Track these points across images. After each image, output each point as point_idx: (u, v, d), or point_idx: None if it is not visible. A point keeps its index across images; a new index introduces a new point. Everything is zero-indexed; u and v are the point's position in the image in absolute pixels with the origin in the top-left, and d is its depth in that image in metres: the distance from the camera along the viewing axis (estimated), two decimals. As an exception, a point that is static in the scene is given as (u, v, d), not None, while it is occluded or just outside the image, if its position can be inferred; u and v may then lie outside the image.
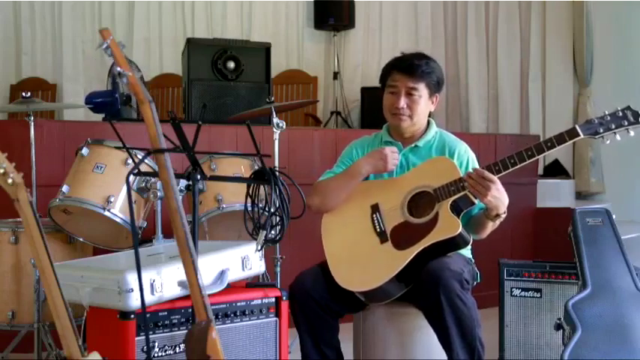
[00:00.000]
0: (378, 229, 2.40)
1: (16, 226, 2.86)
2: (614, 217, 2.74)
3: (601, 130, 2.29)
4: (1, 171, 1.56)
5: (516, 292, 2.85)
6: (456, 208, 2.32)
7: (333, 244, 2.46)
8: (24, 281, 2.85)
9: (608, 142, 2.32)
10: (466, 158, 2.52)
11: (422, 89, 2.50)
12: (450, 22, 6.30)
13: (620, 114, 2.30)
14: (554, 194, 5.19)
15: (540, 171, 5.50)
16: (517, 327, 2.85)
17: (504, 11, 6.00)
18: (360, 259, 2.39)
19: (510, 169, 2.30)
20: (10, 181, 1.57)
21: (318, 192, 2.53)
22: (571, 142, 2.30)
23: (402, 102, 2.49)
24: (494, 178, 2.25)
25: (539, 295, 2.82)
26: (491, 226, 2.38)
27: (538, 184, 5.03)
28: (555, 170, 5.63)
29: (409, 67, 2.49)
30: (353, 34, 6.40)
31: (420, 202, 2.39)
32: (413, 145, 2.57)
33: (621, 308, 2.46)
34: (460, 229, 2.26)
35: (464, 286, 2.26)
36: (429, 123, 2.62)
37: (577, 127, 2.30)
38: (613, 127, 2.29)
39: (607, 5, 5.46)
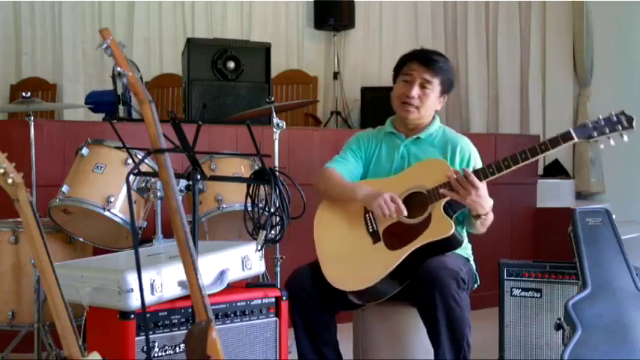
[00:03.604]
0: (371, 229, 2.40)
1: (16, 226, 2.86)
2: (614, 217, 2.74)
3: (595, 134, 2.28)
4: (1, 171, 1.56)
5: (516, 292, 2.85)
6: (450, 209, 2.32)
7: (324, 244, 2.45)
8: (24, 281, 2.85)
9: (602, 146, 2.31)
10: (468, 153, 2.52)
11: (435, 84, 2.52)
12: (450, 22, 6.29)
13: (615, 119, 2.29)
14: (554, 194, 5.18)
15: (540, 171, 5.49)
16: (517, 327, 2.85)
17: (504, 11, 6.00)
18: (351, 259, 2.38)
19: (504, 171, 2.30)
20: (10, 181, 1.57)
21: (324, 182, 2.51)
22: (565, 145, 2.29)
23: (415, 91, 2.50)
24: (478, 184, 2.25)
25: (539, 295, 2.82)
26: (480, 224, 2.37)
27: (538, 184, 5.02)
28: (555, 170, 5.62)
29: (428, 59, 2.53)
30: (353, 34, 6.39)
31: (414, 203, 2.38)
32: (415, 136, 2.57)
33: (621, 308, 2.46)
34: (453, 230, 2.26)
35: (460, 285, 2.25)
36: (433, 118, 2.62)
37: (571, 130, 2.29)
38: (607, 131, 2.28)
39: (607, 5, 5.46)
